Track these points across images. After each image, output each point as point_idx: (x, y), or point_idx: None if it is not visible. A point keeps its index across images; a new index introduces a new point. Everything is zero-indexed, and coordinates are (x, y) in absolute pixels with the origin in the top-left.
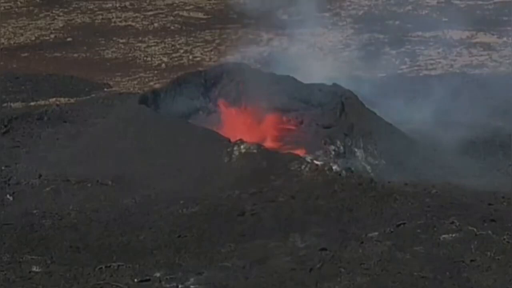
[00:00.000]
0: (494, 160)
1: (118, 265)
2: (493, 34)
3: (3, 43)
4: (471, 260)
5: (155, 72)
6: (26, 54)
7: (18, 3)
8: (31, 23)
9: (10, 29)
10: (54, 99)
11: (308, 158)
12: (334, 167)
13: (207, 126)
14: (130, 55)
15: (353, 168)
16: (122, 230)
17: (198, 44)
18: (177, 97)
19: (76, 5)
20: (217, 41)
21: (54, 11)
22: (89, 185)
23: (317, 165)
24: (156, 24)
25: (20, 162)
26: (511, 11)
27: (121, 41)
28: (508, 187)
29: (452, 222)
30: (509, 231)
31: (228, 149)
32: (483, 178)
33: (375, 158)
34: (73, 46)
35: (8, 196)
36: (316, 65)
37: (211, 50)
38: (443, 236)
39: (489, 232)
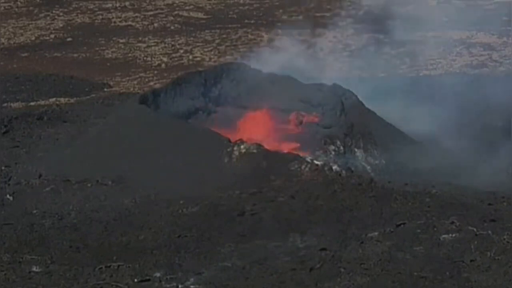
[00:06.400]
0: (494, 160)
1: (118, 265)
2: (493, 34)
3: (3, 43)
4: (471, 260)
5: (155, 72)
6: (26, 54)
7: (18, 3)
8: (31, 23)
9: (10, 29)
10: (54, 99)
11: (308, 158)
12: (334, 167)
13: (207, 126)
14: (130, 55)
15: (353, 168)
16: (122, 230)
17: (198, 44)
18: (177, 97)
19: (76, 5)
20: (217, 41)
21: (54, 11)
22: (89, 185)
23: (317, 165)
24: (156, 24)
25: (20, 162)
26: (511, 11)
27: (121, 41)
28: (508, 187)
29: (452, 222)
30: (509, 231)
31: (228, 149)
32: (483, 178)
33: (375, 158)
34: (73, 46)
35: (8, 196)
36: (316, 65)
37: (211, 50)
38: (443, 236)
39: (489, 232)
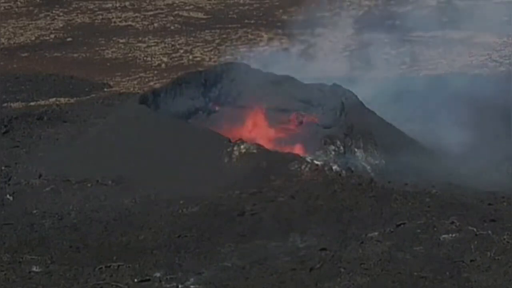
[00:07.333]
0: (494, 160)
1: (118, 265)
2: (493, 34)
3: (3, 43)
4: (471, 260)
5: (155, 72)
6: (26, 54)
7: (18, 3)
8: (31, 23)
9: (10, 29)
10: (54, 99)
11: (308, 158)
12: (334, 167)
13: (207, 126)
14: (130, 55)
15: (353, 168)
16: (122, 230)
17: (198, 44)
18: (177, 97)
19: (76, 5)
20: (217, 41)
21: (54, 11)
22: (89, 185)
23: (317, 165)
24: (156, 24)
25: (20, 162)
26: (511, 11)
27: (121, 41)
28: (508, 187)
29: (452, 222)
30: (509, 231)
31: (228, 149)
32: (483, 178)
33: (375, 158)
34: (73, 46)
35: (8, 196)
36: (316, 65)
37: (211, 50)
38: (443, 236)
39: (489, 232)
